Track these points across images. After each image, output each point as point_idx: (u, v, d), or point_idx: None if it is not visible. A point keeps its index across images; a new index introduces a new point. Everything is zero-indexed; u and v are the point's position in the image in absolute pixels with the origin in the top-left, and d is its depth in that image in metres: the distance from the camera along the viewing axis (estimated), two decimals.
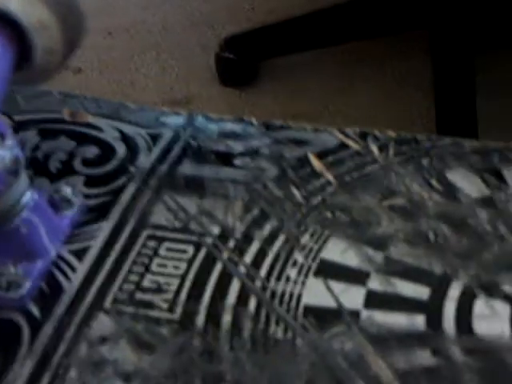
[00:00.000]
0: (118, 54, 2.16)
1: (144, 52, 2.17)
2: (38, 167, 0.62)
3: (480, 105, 1.82)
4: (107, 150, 0.63)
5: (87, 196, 0.59)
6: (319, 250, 0.54)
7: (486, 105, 1.90)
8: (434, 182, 0.59)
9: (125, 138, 0.64)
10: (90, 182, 0.60)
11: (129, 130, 0.65)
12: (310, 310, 0.51)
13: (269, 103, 2.00)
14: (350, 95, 2.03)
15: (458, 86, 1.82)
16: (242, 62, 2.06)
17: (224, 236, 0.55)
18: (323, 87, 2.07)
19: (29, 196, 0.52)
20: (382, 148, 0.62)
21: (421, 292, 0.52)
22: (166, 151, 0.63)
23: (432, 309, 0.51)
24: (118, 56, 2.16)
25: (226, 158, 0.62)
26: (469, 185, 0.59)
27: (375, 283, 0.53)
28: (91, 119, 0.67)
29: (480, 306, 0.51)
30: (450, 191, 0.58)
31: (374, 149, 0.62)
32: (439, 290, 0.52)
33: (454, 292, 0.52)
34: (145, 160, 0.62)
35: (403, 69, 2.05)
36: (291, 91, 2.06)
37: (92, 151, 0.63)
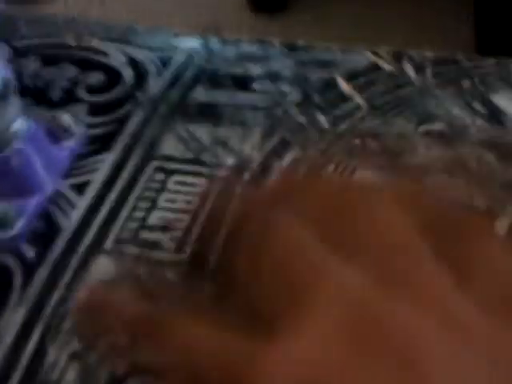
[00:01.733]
0: None
1: None
2: (38, 96, 0.56)
3: None
4: (113, 76, 0.57)
5: (90, 125, 0.53)
6: None
7: None
8: (476, 106, 0.52)
9: (132, 63, 0.58)
10: (94, 110, 0.55)
11: (137, 54, 0.59)
12: None
13: (300, 30, 1.93)
14: (385, 21, 1.94)
15: (500, 12, 1.73)
16: None
17: (240, 167, 0.49)
18: (356, 13, 1.99)
19: (20, 124, 0.46)
20: (419, 69, 0.55)
21: None
22: (178, 76, 0.56)
23: None
24: None
25: (243, 82, 0.55)
26: None
27: None
28: (97, 43, 0.60)
29: None
30: (495, 115, 0.52)
31: (410, 70, 0.55)
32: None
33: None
34: (154, 86, 0.56)
35: None
36: (323, 17, 1.99)
37: (97, 77, 0.58)
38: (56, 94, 0.56)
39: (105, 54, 0.59)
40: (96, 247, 0.46)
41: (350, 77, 0.55)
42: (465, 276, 0.32)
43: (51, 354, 0.41)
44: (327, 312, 0.30)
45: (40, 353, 0.41)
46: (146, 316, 0.35)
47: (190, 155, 0.50)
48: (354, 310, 0.30)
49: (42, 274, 0.45)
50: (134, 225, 0.47)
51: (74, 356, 0.41)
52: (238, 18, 2.02)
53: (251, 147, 0.50)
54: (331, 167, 0.49)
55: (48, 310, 0.43)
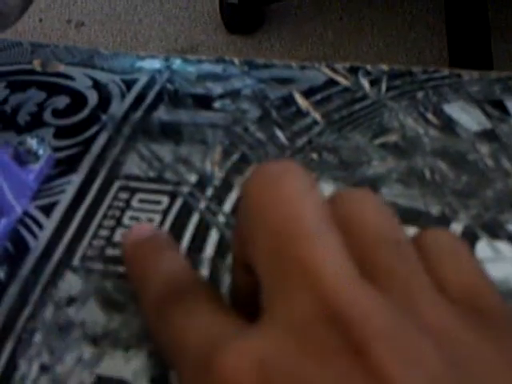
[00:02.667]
0: (120, 5, 2.11)
1: (147, 2, 2.11)
2: (6, 121, 0.58)
3: (496, 45, 1.75)
4: (79, 99, 0.59)
5: (57, 148, 0.55)
6: None
7: (502, 45, 1.83)
8: (430, 116, 0.54)
9: (97, 86, 0.60)
10: (60, 133, 0.56)
11: (102, 76, 0.61)
12: None
13: (277, 49, 1.95)
14: (361, 38, 1.96)
15: (472, 25, 1.75)
16: (246, 7, 2.00)
17: (201, 184, 0.51)
18: (333, 30, 2.01)
19: None
20: (374, 83, 0.57)
21: None
22: (141, 97, 0.58)
23: None
24: (121, 7, 2.10)
25: (204, 101, 0.57)
26: (468, 118, 0.54)
27: None
28: (63, 69, 0.62)
29: (482, 248, 0.47)
30: (448, 125, 0.54)
31: (365, 84, 0.57)
32: None
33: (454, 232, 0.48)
34: (118, 107, 0.57)
35: (414, 9, 1.98)
36: (300, 35, 2.01)
37: (63, 101, 0.59)
38: (23, 118, 0.58)
39: (71, 78, 0.61)
40: (63, 265, 0.47)
41: (308, 93, 0.57)
42: None
43: (22, 367, 0.43)
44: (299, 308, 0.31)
45: (11, 366, 0.43)
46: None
47: (152, 174, 0.52)
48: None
49: (12, 291, 0.46)
50: (100, 242, 0.48)
51: (43, 368, 0.42)
52: (214, 38, 2.04)
53: (212, 164, 0.52)
54: None
55: (19, 325, 0.44)
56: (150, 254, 0.42)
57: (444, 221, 0.48)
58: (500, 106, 0.55)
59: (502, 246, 0.47)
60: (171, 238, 0.45)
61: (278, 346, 0.30)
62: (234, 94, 0.57)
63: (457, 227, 0.48)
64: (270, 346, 0.31)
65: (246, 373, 0.30)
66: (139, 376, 0.42)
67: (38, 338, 0.44)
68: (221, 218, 0.49)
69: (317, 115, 0.55)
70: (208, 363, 0.31)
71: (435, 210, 0.49)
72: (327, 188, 0.50)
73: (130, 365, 0.42)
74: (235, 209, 0.49)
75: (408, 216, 0.48)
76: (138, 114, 0.57)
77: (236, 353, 0.31)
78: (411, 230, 0.47)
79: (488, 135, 0.53)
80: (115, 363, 0.42)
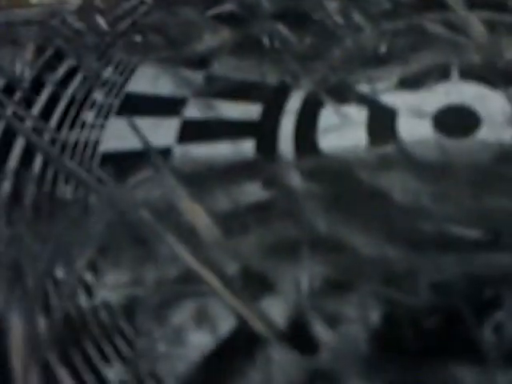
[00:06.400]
0: None
1: None
2: None
3: None
4: None
5: None
6: (124, 83, 0.43)
7: None
8: None
9: None
10: None
11: None
12: (108, 158, 0.40)
13: None
14: None
15: None
16: None
17: (9, 88, 0.44)
18: None
19: None
20: None
21: (250, 111, 0.41)
22: None
23: (264, 130, 0.40)
24: None
25: None
26: None
27: (193, 110, 0.41)
28: None
29: (327, 115, 0.40)
30: None
31: None
32: (274, 105, 0.41)
33: (294, 104, 0.41)
34: None
35: None
36: None
37: None
38: None
39: None
40: None
41: None
42: None
43: None
44: None
45: None
46: None
47: None
48: None
49: None
50: None
51: None
52: None
53: (22, 65, 0.45)
54: (109, 70, 0.44)
55: None
56: None
57: (283, 90, 0.41)
58: None
59: (350, 110, 0.40)
60: None
61: None
62: None
63: (297, 96, 0.41)
64: None
65: None
66: None
67: None
68: (28, 123, 0.42)
69: None
70: None
71: (273, 79, 0.42)
72: (150, 72, 0.43)
73: None
74: (45, 111, 0.43)
75: (241, 90, 0.41)
76: None
77: None
78: (244, 108, 0.41)
79: None
80: None
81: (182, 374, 0.33)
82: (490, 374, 0.32)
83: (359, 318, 0.34)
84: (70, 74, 0.44)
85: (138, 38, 0.44)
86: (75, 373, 0.32)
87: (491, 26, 0.43)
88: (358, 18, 0.43)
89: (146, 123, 0.41)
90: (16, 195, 0.39)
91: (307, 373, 0.32)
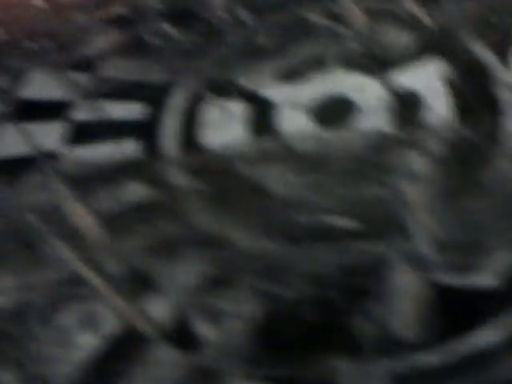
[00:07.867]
0: None
1: None
2: None
3: None
4: None
5: None
6: (16, 89, 0.44)
7: None
8: None
9: None
10: None
11: None
12: None
13: None
14: None
15: None
16: None
17: None
18: None
19: None
20: None
21: (134, 111, 0.42)
22: None
23: (148, 129, 0.41)
24: None
25: None
26: None
27: (79, 113, 0.42)
28: None
29: (210, 111, 0.41)
30: None
31: None
32: (157, 103, 0.42)
33: (177, 102, 0.42)
34: None
35: None
36: None
37: None
38: None
39: None
40: None
41: None
42: None
43: None
44: None
45: None
46: None
47: None
48: None
49: None
50: None
51: None
52: None
53: None
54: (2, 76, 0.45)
55: None
56: None
57: (166, 88, 0.42)
58: None
59: (232, 105, 0.41)
60: None
61: None
62: None
63: (180, 93, 0.42)
64: None
65: None
66: None
67: None
68: None
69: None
70: None
71: (157, 78, 0.43)
72: (38, 78, 0.44)
73: None
74: None
75: (127, 90, 0.42)
76: None
77: None
78: (128, 107, 0.42)
79: None
80: None
81: (68, 376, 0.33)
82: (365, 365, 0.32)
83: (240, 313, 0.34)
84: None
85: (29, 44, 0.45)
86: None
87: (371, 14, 0.44)
88: (241, 12, 0.44)
89: (34, 128, 0.42)
90: None
91: (191, 370, 0.33)
